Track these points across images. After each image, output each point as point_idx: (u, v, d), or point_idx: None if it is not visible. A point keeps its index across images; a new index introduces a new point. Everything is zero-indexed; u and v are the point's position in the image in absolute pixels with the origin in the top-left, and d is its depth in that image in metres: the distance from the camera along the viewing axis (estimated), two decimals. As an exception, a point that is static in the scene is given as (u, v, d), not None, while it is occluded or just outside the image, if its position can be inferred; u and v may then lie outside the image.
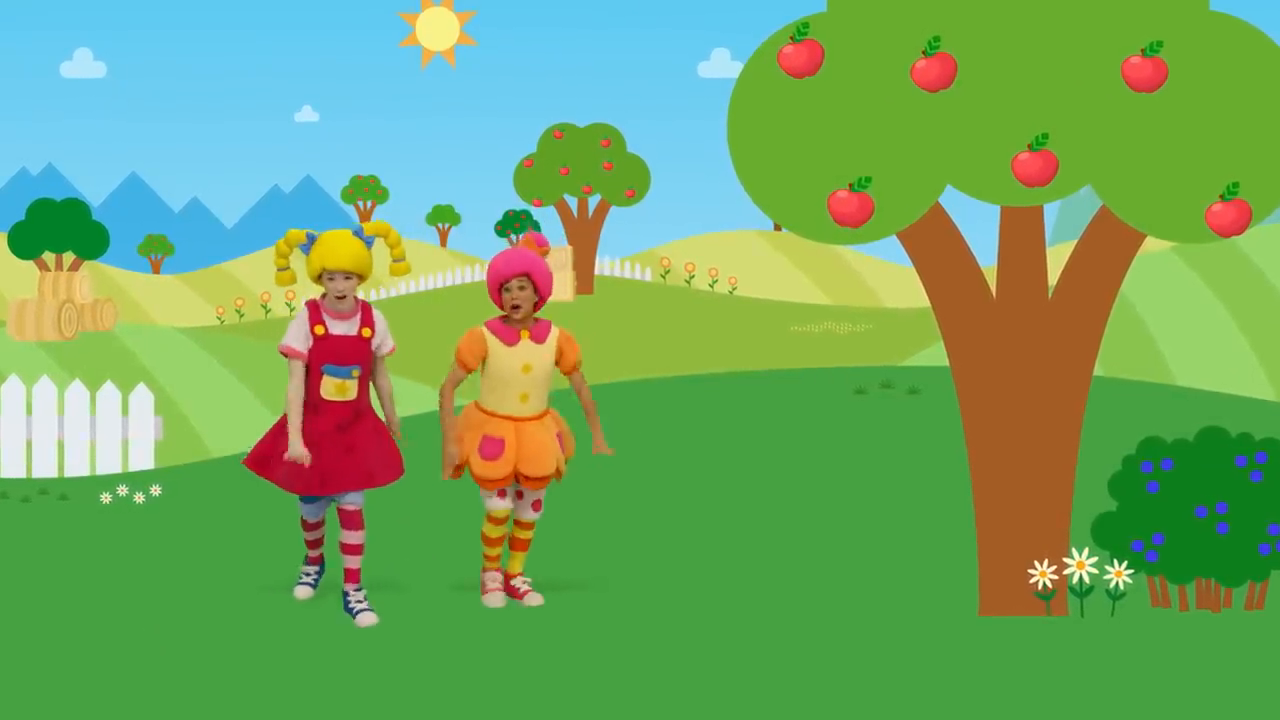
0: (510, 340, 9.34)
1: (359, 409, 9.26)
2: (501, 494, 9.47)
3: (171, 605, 9.50)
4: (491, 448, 9.34)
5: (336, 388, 9.20)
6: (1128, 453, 9.10)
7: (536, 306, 9.33)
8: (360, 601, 9.24)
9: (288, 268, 9.32)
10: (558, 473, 9.50)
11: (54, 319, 26.01)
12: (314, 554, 9.80)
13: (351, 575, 9.30)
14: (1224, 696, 7.64)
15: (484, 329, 9.38)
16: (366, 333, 9.23)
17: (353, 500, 9.26)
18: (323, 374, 9.18)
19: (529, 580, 9.70)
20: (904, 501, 12.91)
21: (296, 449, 9.10)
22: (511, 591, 9.63)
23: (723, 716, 7.40)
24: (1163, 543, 9.03)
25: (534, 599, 9.55)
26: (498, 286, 9.32)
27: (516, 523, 9.64)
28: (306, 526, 9.71)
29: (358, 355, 9.22)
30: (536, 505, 9.62)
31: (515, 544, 9.68)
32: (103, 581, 10.21)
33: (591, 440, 9.67)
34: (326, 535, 9.86)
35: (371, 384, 9.40)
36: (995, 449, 8.91)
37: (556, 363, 9.45)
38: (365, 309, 9.28)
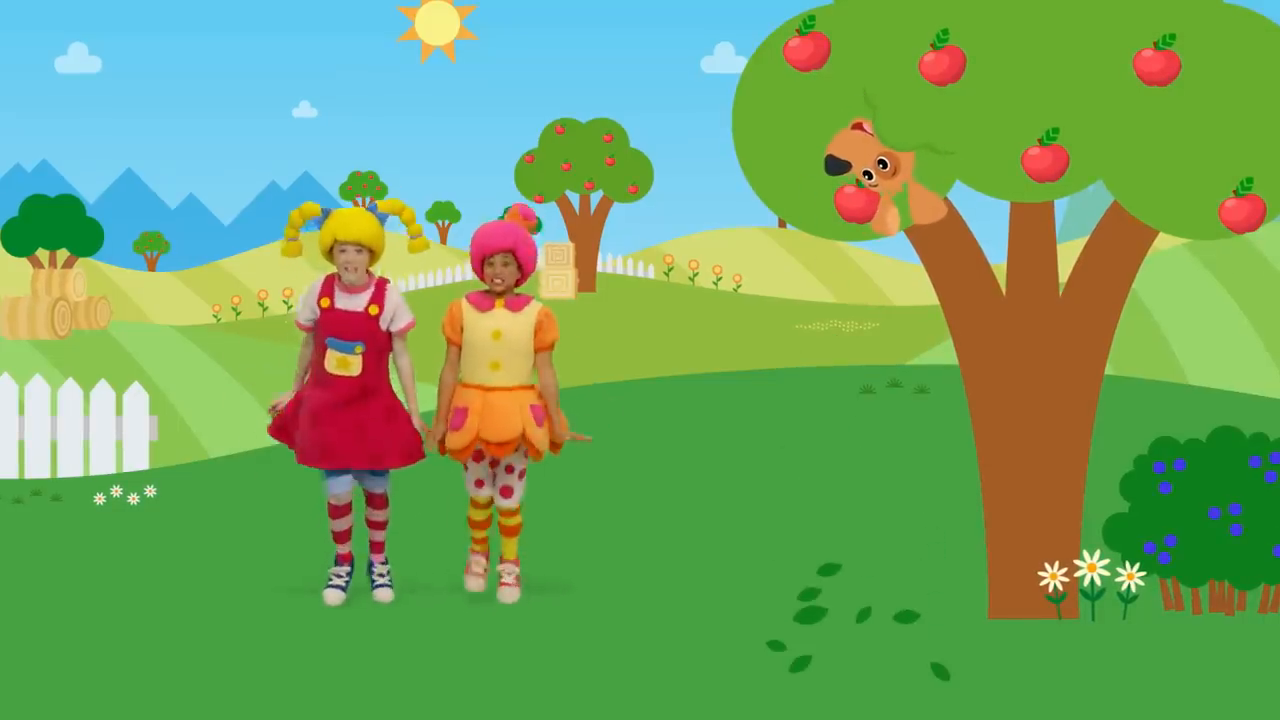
0: (484, 307, 9.26)
1: (368, 387, 9.27)
2: (479, 483, 9.44)
3: (166, 608, 9.44)
4: (457, 417, 9.27)
5: (339, 362, 9.25)
6: (1140, 453, 9.08)
7: (518, 282, 9.26)
8: (382, 575, 9.56)
9: (297, 238, 9.38)
10: (534, 450, 9.28)
11: (47, 317, 25.95)
12: (342, 550, 9.62)
13: (376, 547, 9.61)
14: (1237, 701, 7.58)
15: (462, 299, 9.34)
16: (374, 310, 9.25)
17: (376, 484, 9.45)
18: (327, 346, 9.25)
19: (515, 571, 9.54)
20: (912, 502, 12.91)
21: (284, 397, 9.45)
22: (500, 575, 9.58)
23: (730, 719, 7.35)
24: (1175, 544, 9.02)
25: (506, 595, 9.49)
26: (480, 260, 9.25)
27: (499, 509, 9.52)
28: (332, 511, 9.53)
29: (362, 331, 9.24)
30: (505, 491, 9.41)
31: (500, 529, 9.54)
32: (96, 584, 10.15)
33: (556, 428, 9.34)
34: (354, 537, 9.70)
35: (392, 364, 9.43)
36: (1005, 449, 8.86)
37: (535, 338, 9.26)
38: (379, 286, 9.31)
